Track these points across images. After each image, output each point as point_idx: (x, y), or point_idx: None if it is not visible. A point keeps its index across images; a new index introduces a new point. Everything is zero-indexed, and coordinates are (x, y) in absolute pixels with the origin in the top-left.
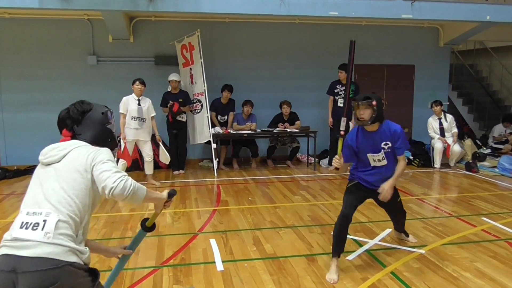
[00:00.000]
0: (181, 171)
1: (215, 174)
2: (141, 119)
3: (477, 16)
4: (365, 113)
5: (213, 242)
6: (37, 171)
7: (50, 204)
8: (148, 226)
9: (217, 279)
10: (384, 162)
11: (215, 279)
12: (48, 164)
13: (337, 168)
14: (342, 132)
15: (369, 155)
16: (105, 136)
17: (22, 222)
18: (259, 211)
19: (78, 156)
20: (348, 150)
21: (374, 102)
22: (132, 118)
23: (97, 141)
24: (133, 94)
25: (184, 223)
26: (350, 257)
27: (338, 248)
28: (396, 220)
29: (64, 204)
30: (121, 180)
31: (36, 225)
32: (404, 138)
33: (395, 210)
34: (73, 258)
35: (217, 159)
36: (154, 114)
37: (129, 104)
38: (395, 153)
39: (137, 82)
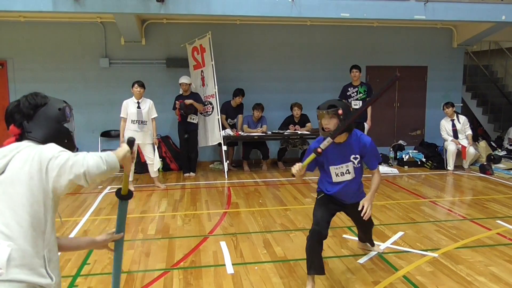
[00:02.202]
0: (192, 174)
1: (226, 176)
2: (141, 122)
3: (492, 16)
4: (330, 123)
5: (223, 244)
6: None
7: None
8: (124, 194)
9: (227, 282)
10: (348, 176)
11: (225, 282)
12: None
13: (293, 175)
14: (319, 150)
15: (331, 167)
16: (60, 136)
17: None
18: (270, 214)
19: (22, 165)
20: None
21: (340, 111)
22: (132, 122)
23: (50, 141)
24: (132, 97)
25: (194, 226)
26: (362, 260)
27: (314, 265)
28: (363, 230)
29: (14, 228)
30: (86, 160)
31: None
32: (376, 151)
33: (365, 222)
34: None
35: (227, 161)
36: (155, 115)
37: (128, 107)
38: (368, 167)
39: (136, 85)
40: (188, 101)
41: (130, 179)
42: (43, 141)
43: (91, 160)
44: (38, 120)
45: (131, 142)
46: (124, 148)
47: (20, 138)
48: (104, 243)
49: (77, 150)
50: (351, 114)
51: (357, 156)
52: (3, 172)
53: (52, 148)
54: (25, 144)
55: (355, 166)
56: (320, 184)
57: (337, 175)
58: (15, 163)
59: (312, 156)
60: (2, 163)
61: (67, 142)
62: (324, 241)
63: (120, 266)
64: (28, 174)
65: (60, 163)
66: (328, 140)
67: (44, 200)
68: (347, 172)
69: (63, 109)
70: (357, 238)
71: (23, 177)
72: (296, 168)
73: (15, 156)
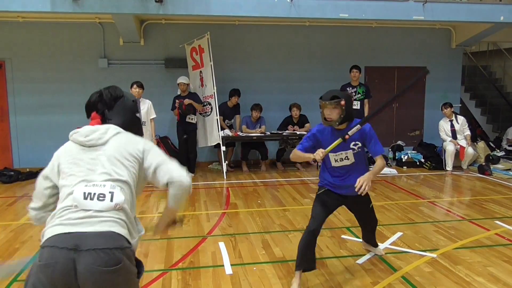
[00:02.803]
0: (191, 174)
1: (225, 177)
2: None
3: (491, 17)
4: (333, 113)
5: (222, 245)
6: (73, 153)
7: (111, 182)
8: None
9: (226, 283)
10: (347, 162)
11: (223, 283)
12: (91, 147)
13: (314, 161)
14: (347, 136)
15: (330, 154)
16: (134, 125)
17: (85, 193)
18: (268, 214)
19: (127, 142)
20: (310, 141)
21: (342, 102)
22: None
23: (127, 129)
24: None
25: (193, 226)
26: (360, 260)
27: (303, 262)
28: (366, 228)
29: (123, 185)
30: (186, 176)
31: (102, 196)
32: (376, 138)
33: (367, 217)
34: (131, 243)
35: (226, 162)
36: (154, 116)
37: None
38: (371, 154)
39: (135, 86)
40: (187, 101)
41: None
42: (122, 128)
43: (187, 178)
44: (117, 109)
45: (179, 221)
46: (175, 215)
47: (101, 123)
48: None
49: None
50: (351, 104)
51: (357, 142)
52: (105, 144)
53: (153, 144)
54: (117, 128)
55: (354, 152)
56: (321, 176)
57: (336, 160)
58: (120, 139)
59: (339, 141)
60: (106, 137)
61: (138, 130)
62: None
63: None
64: (133, 152)
65: (161, 160)
66: (357, 127)
67: (137, 175)
68: (346, 158)
69: (136, 101)
70: (356, 239)
71: (128, 153)
72: (320, 154)
73: (118, 134)
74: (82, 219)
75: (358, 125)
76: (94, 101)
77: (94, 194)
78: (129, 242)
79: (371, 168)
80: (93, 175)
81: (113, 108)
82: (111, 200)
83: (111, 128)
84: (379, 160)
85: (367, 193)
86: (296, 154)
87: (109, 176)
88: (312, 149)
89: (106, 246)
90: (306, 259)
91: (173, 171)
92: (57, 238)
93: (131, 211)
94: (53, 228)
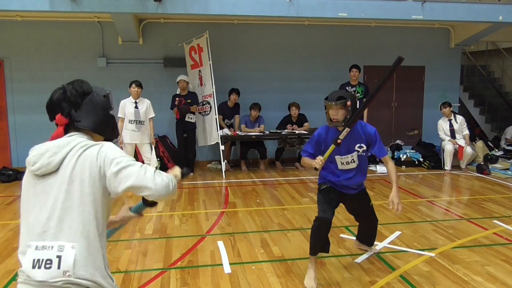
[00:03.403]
0: (190, 173)
1: (223, 176)
2: (138, 122)
3: (489, 16)
4: (339, 114)
5: (220, 244)
6: (29, 185)
7: (61, 232)
8: (150, 201)
9: (225, 282)
10: (353, 165)
11: (222, 282)
12: (43, 175)
13: (316, 169)
14: (339, 141)
15: (337, 157)
16: (107, 124)
17: (34, 260)
18: (267, 213)
19: (82, 162)
20: (314, 146)
21: (348, 102)
22: (129, 121)
23: (98, 130)
24: (130, 97)
25: (192, 225)
26: (359, 259)
27: (314, 249)
28: (365, 228)
29: (77, 228)
30: (159, 178)
31: (49, 262)
32: (380, 141)
33: (367, 216)
34: None
35: (225, 161)
36: (153, 115)
37: (126, 107)
38: (377, 156)
39: (134, 85)
40: (182, 103)
41: None
42: (93, 129)
43: (162, 182)
44: (85, 108)
45: (186, 174)
46: (178, 176)
47: (67, 128)
48: (124, 221)
49: None
50: (356, 105)
51: (362, 145)
52: (57, 169)
53: (114, 150)
54: (78, 139)
55: (359, 154)
56: (323, 173)
57: (342, 163)
58: (73, 159)
59: (332, 147)
60: (56, 160)
61: (113, 129)
62: None
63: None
64: (89, 173)
65: (128, 172)
66: (346, 130)
67: (102, 200)
68: (352, 161)
69: (107, 96)
70: (354, 238)
71: (84, 176)
72: (319, 163)
73: (69, 153)
74: (39, 283)
75: (347, 128)
76: (57, 100)
77: (42, 261)
78: None
79: (372, 168)
80: (42, 226)
81: (80, 106)
82: (58, 266)
83: (64, 144)
84: (390, 163)
85: (366, 192)
86: (304, 161)
87: (59, 227)
88: (319, 153)
89: None
90: (322, 241)
91: (144, 180)
92: None
93: (97, 251)
94: (19, 285)
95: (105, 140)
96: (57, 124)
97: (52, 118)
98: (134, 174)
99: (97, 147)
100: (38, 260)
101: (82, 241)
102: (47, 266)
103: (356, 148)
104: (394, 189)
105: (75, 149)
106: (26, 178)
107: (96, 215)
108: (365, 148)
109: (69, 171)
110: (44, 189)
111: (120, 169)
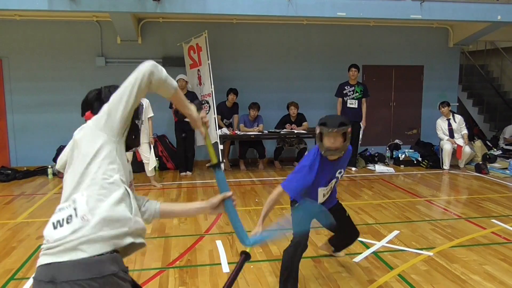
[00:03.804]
0: (188, 173)
1: None
2: None
3: (488, 16)
4: (338, 141)
5: (219, 243)
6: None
7: (75, 191)
8: (214, 163)
9: (223, 281)
10: (329, 191)
11: (221, 281)
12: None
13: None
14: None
15: (320, 189)
16: (131, 132)
17: (54, 223)
18: None
19: (86, 128)
20: (304, 183)
21: (349, 129)
22: None
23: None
24: None
25: (190, 225)
26: (357, 259)
27: (293, 278)
28: (343, 237)
29: (88, 181)
30: (143, 66)
31: (70, 217)
32: (297, 169)
33: (346, 225)
34: (114, 266)
35: (223, 161)
36: (151, 115)
37: None
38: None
39: None
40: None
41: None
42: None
43: (147, 66)
44: None
45: (199, 104)
46: (194, 111)
47: None
48: (213, 205)
49: None
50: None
51: (342, 170)
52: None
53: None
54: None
55: (336, 182)
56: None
57: (324, 195)
58: (83, 130)
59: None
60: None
61: (135, 138)
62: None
63: (238, 219)
64: (91, 130)
65: (120, 91)
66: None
67: (109, 144)
68: (331, 188)
69: (138, 108)
70: None
71: (86, 135)
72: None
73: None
74: (59, 247)
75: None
76: (91, 99)
77: (63, 220)
78: (115, 262)
79: (371, 167)
80: (65, 189)
81: None
82: (76, 215)
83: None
84: (275, 190)
85: (339, 203)
86: (272, 198)
87: (73, 188)
88: (303, 189)
89: (79, 277)
90: (293, 277)
91: (131, 77)
92: (39, 271)
93: (113, 196)
94: (40, 258)
95: (125, 147)
96: (86, 120)
97: (83, 114)
98: (124, 85)
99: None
100: (58, 221)
101: (91, 188)
102: (69, 221)
103: (337, 174)
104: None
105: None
106: None
107: (102, 163)
108: (343, 172)
109: (77, 140)
110: (70, 160)
111: (114, 95)
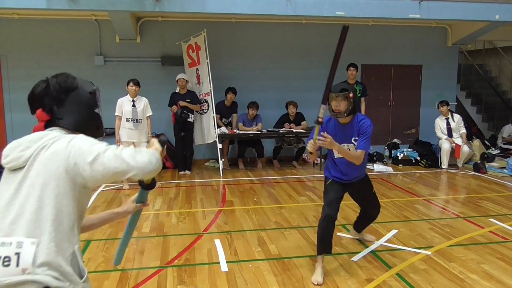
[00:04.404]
0: (187, 172)
1: (221, 175)
2: (136, 120)
3: (486, 15)
4: (341, 105)
5: (217, 242)
6: (2, 179)
7: (21, 228)
8: (147, 184)
9: (221, 280)
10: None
11: (219, 280)
12: (13, 170)
13: (311, 153)
14: (320, 120)
15: None
16: (92, 122)
17: None
18: (264, 212)
19: (49, 155)
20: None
21: (351, 94)
22: (127, 120)
23: (81, 129)
24: (127, 95)
25: (189, 224)
26: (355, 258)
27: (323, 246)
28: (367, 213)
29: (40, 223)
30: (139, 156)
31: (7, 259)
32: (369, 136)
33: (370, 201)
34: None
35: (222, 160)
36: (150, 114)
37: (123, 106)
38: (357, 146)
39: (131, 83)
40: (182, 103)
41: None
42: (75, 128)
43: (143, 159)
44: (69, 105)
45: (163, 142)
46: (158, 148)
47: (48, 124)
48: (128, 213)
49: None
50: (357, 98)
51: (357, 138)
52: (26, 164)
53: (86, 140)
54: (54, 134)
55: (354, 145)
56: (325, 171)
57: (338, 152)
58: (45, 154)
59: (317, 127)
60: (26, 155)
61: (98, 128)
62: (315, 240)
63: (134, 227)
64: (56, 166)
65: (100, 157)
66: (322, 107)
67: (71, 194)
68: (348, 150)
69: (94, 93)
70: (351, 236)
71: (50, 169)
72: (310, 146)
73: (44, 146)
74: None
75: (323, 105)
76: (39, 94)
77: (0, 258)
78: None
79: (369, 167)
80: (3, 222)
81: (63, 103)
82: (17, 264)
83: (36, 139)
84: (359, 152)
85: (369, 179)
86: (308, 154)
87: (20, 223)
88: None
89: None
90: (325, 244)
91: (122, 164)
92: None
93: (62, 245)
94: None
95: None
96: (38, 120)
97: (33, 112)
98: (111, 159)
99: (67, 139)
100: None
101: (44, 236)
102: (5, 264)
103: (352, 141)
104: (337, 144)
105: (46, 143)
106: (3, 174)
107: (61, 210)
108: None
109: (35, 164)
110: (11, 184)
111: (95, 157)
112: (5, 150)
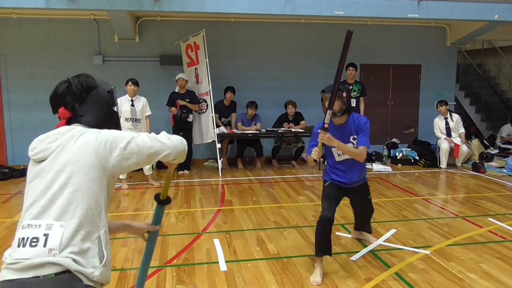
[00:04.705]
0: (186, 171)
1: (220, 174)
2: (134, 120)
3: (485, 15)
4: (335, 105)
5: (216, 242)
6: (30, 172)
7: (52, 211)
8: (162, 199)
9: (220, 279)
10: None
11: (218, 279)
12: (40, 161)
13: (315, 160)
14: (326, 125)
15: (333, 149)
16: (110, 120)
17: (19, 239)
18: (263, 211)
19: (79, 145)
20: (313, 142)
21: (344, 94)
22: (125, 120)
23: (101, 125)
24: (126, 95)
25: (188, 223)
26: (354, 257)
27: (321, 248)
28: (362, 216)
29: (68, 208)
30: (173, 137)
31: (35, 240)
32: (368, 133)
33: (365, 207)
34: (89, 277)
35: (221, 159)
36: (149, 113)
37: (122, 105)
38: (358, 143)
39: (130, 83)
40: (181, 102)
41: (124, 176)
42: (95, 125)
43: (174, 139)
44: (90, 103)
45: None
46: (184, 145)
47: (69, 121)
48: (140, 231)
49: None
50: (350, 97)
51: (355, 136)
52: (53, 153)
53: (114, 131)
54: (80, 128)
55: (355, 146)
56: (324, 174)
57: (339, 154)
58: (69, 144)
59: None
60: (54, 146)
61: (116, 126)
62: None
63: (150, 258)
64: (86, 155)
65: (134, 140)
66: (328, 112)
67: (100, 180)
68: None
69: (112, 92)
70: (349, 236)
71: (80, 158)
72: (315, 153)
73: (71, 137)
74: (21, 264)
75: (329, 110)
76: (62, 93)
77: (27, 239)
78: (85, 278)
79: (368, 166)
80: (34, 208)
81: (85, 101)
82: (44, 245)
83: (63, 132)
84: (362, 148)
85: (367, 185)
86: (308, 159)
87: (51, 207)
88: (324, 147)
89: None
90: (322, 246)
91: (149, 147)
92: (3, 286)
93: (88, 233)
94: (2, 272)
95: None
96: (60, 118)
97: (55, 111)
98: (146, 140)
99: (96, 131)
100: (23, 238)
101: (73, 220)
102: (33, 244)
103: (351, 140)
104: (338, 141)
105: (74, 135)
106: (29, 166)
107: (91, 195)
108: (357, 139)
109: (65, 154)
110: (41, 173)
111: (130, 140)
112: (33, 143)
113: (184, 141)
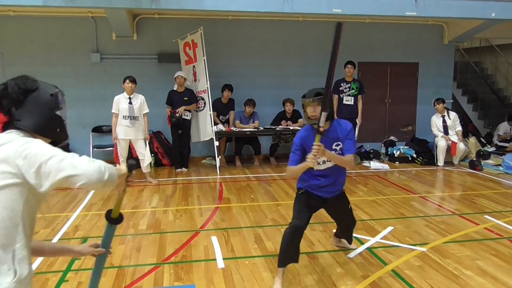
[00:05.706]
0: (184, 169)
1: (218, 172)
2: (132, 118)
3: (482, 13)
4: (317, 111)
5: (214, 239)
6: None
7: None
8: (114, 218)
9: (218, 276)
10: (330, 164)
11: (216, 276)
12: None
13: (319, 163)
14: (321, 129)
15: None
16: (52, 125)
17: None
18: (261, 209)
19: (4, 158)
20: (298, 152)
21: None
22: (123, 117)
23: (41, 131)
24: (124, 93)
25: (185, 221)
26: (351, 254)
27: (288, 256)
28: (345, 228)
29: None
30: (91, 163)
31: None
32: (354, 139)
33: (346, 218)
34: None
35: (219, 157)
36: (147, 111)
37: (120, 103)
38: (344, 151)
39: (127, 80)
40: (181, 109)
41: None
42: (34, 130)
43: (92, 165)
44: (28, 106)
45: (131, 166)
46: (123, 169)
47: (6, 126)
48: (82, 255)
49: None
50: (333, 102)
51: (339, 142)
52: None
53: (39, 146)
54: (11, 136)
55: (337, 153)
56: (299, 182)
57: (318, 163)
58: None
59: (317, 137)
60: None
61: (60, 131)
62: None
63: (99, 276)
64: (6, 168)
65: (49, 165)
66: (324, 114)
67: (21, 194)
68: (328, 160)
69: (55, 95)
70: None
71: (1, 171)
72: (311, 160)
73: None
74: None
75: (324, 112)
76: None
77: None
78: None
79: (366, 164)
80: None
81: (22, 105)
82: None
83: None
84: (350, 155)
85: (345, 194)
86: (291, 170)
87: None
88: (301, 156)
89: None
90: (288, 255)
91: (69, 168)
92: None
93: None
94: None
95: (51, 142)
96: None
97: None
98: (60, 163)
99: (20, 142)
100: None
101: None
102: None
103: (334, 147)
104: (329, 152)
105: (4, 146)
106: None
107: (6, 207)
108: (341, 145)
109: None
110: None
111: (42, 163)
112: None
113: (105, 171)
